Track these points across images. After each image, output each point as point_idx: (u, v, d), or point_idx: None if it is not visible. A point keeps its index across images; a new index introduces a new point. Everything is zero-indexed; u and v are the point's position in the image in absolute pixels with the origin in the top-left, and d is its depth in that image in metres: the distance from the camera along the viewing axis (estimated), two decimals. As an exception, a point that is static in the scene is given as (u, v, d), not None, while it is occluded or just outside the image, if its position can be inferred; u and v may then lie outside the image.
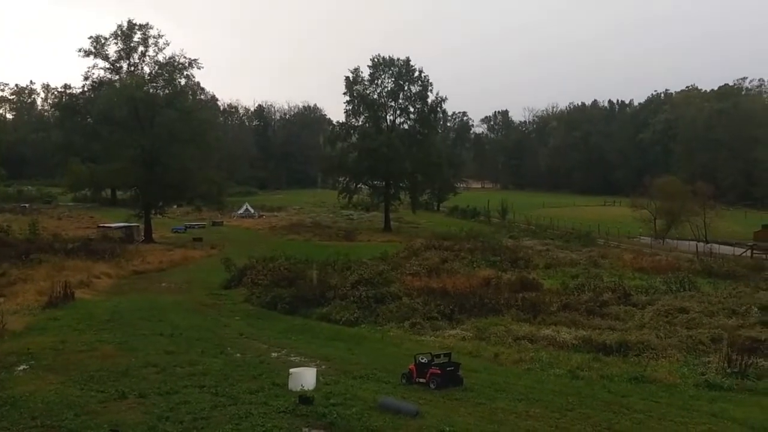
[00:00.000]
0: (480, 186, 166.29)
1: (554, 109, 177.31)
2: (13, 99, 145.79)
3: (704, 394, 15.94)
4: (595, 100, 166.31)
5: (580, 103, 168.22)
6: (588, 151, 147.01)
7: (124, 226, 57.57)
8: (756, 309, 26.39)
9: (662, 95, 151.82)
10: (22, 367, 15.65)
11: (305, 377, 13.63)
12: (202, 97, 71.04)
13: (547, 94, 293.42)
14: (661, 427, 12.64)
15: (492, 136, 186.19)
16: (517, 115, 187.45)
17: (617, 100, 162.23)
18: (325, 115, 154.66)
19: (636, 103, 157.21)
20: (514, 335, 22.13)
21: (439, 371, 14.56)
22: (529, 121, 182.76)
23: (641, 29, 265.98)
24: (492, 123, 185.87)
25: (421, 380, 14.66)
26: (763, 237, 61.24)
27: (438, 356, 15.27)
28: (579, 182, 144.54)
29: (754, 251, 51.22)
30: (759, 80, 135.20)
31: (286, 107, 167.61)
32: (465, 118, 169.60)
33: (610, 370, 17.99)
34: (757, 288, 31.91)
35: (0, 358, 16.43)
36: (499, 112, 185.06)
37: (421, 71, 75.79)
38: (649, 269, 40.18)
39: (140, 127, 56.82)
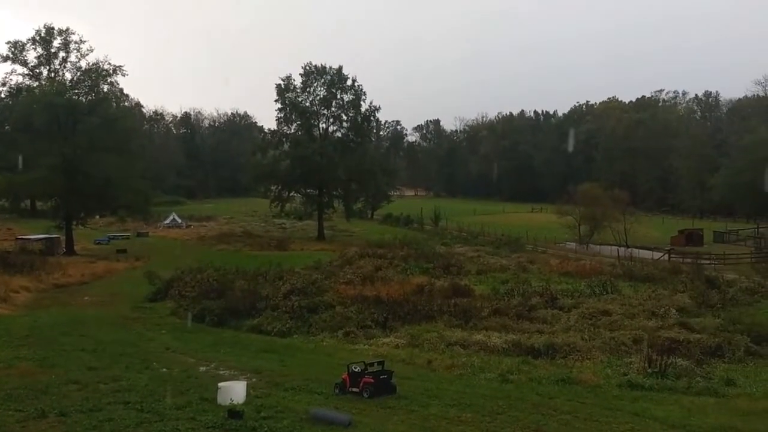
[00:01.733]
0: (413, 194, 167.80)
1: (484, 119, 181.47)
2: None
3: (627, 394, 16.50)
4: (523, 111, 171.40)
5: (508, 113, 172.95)
6: (516, 159, 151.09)
7: (44, 238, 55.01)
8: (674, 311, 27.62)
9: (584, 107, 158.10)
10: (-70, 389, 14.66)
11: (234, 391, 13.36)
12: (126, 104, 68.78)
13: (477, 104, 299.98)
14: (587, 427, 13.03)
15: (425, 144, 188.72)
16: (448, 124, 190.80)
17: (542, 111, 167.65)
18: (256, 122, 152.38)
19: (560, 114, 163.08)
20: (447, 341, 22.37)
21: (372, 380, 14.56)
22: (460, 130, 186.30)
23: (563, 43, 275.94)
24: (424, 131, 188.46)
25: (355, 389, 14.62)
26: (680, 242, 64.63)
27: (371, 365, 15.27)
28: (508, 190, 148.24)
29: (672, 255, 53.78)
30: (674, 92, 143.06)
31: (215, 114, 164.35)
32: (398, 126, 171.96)
33: (539, 373, 18.43)
34: (675, 290, 33.14)
35: None
36: (431, 121, 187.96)
37: (354, 80, 76.12)
38: (575, 273, 41.16)
39: (61, 135, 54.52)
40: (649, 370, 18.33)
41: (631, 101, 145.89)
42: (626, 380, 17.66)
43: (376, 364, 15.42)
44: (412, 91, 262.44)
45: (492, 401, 14.59)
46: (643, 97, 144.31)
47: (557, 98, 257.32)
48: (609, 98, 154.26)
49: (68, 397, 13.92)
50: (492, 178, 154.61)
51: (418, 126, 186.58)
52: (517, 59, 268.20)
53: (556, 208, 74.76)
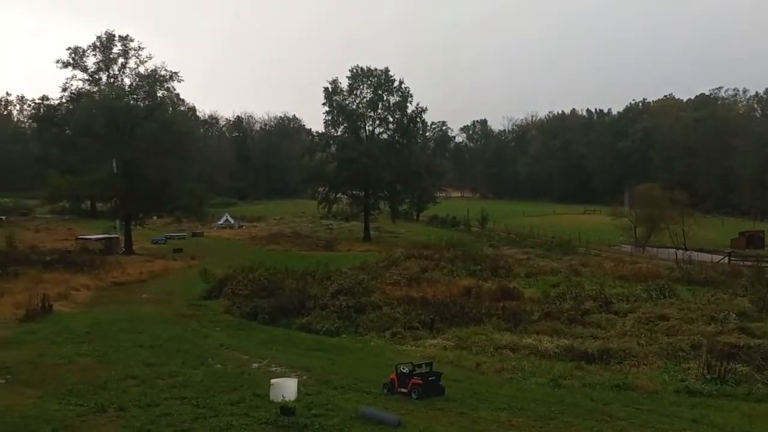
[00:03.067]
0: (460, 195, 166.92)
1: (533, 118, 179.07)
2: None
3: (685, 401, 16.07)
4: (574, 109, 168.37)
5: (559, 112, 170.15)
6: (567, 159, 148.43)
7: (103, 238, 56.87)
8: (734, 315, 26.66)
9: (640, 104, 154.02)
10: (-2, 382, 15.37)
11: (286, 388, 13.55)
12: (182, 108, 70.56)
13: (526, 103, 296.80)
14: (643, 433, 12.73)
15: (471, 145, 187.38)
16: (496, 124, 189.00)
17: (596, 109, 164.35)
18: (304, 125, 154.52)
19: (615, 113, 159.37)
20: (496, 344, 22.12)
21: (420, 381, 14.53)
22: (509, 130, 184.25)
23: (619, 40, 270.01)
24: (471, 132, 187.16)
25: (403, 390, 14.62)
26: (740, 244, 62.31)
27: (419, 366, 15.25)
28: (558, 191, 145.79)
29: (732, 258, 51.95)
30: (734, 90, 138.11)
31: (266, 118, 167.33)
32: (444, 127, 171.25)
33: (592, 378, 18.06)
34: (735, 294, 32.12)
35: (-25, 372, 16.12)
36: (477, 121, 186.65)
37: (401, 81, 76.25)
38: (630, 277, 40.37)
39: (120, 139, 56.33)
40: (708, 376, 17.80)
41: (689, 99, 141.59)
42: (684, 386, 17.20)
43: (424, 365, 15.38)
44: (458, 91, 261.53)
45: (544, 406, 14.37)
46: (702, 94, 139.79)
47: (611, 96, 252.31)
48: (665, 96, 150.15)
49: (127, 392, 14.35)
50: (542, 178, 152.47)
51: (465, 126, 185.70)
52: (569, 57, 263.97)
53: (611, 209, 73.26)
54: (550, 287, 35.24)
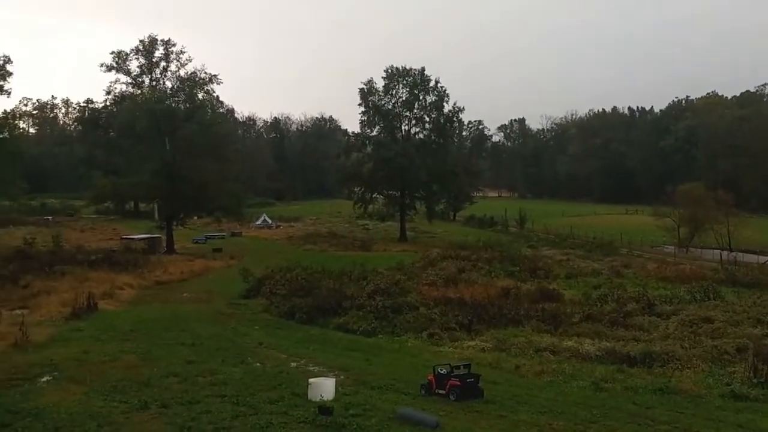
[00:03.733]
0: (497, 195, 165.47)
1: (573, 117, 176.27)
2: (35, 114, 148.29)
3: (730, 405, 15.68)
4: (615, 107, 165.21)
5: (600, 110, 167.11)
6: (608, 158, 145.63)
7: (146, 238, 58.07)
8: (782, 318, 25.91)
9: (683, 102, 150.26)
10: (45, 379, 15.84)
11: (324, 387, 13.65)
12: (221, 110, 71.66)
13: (565, 101, 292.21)
14: (687, 438, 12.42)
15: (509, 144, 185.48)
16: (534, 123, 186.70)
17: (637, 107, 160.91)
18: (340, 125, 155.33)
19: (657, 110, 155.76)
20: (536, 347, 21.92)
21: (458, 382, 14.46)
22: (547, 129, 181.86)
23: (659, 36, 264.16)
24: (508, 131, 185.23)
25: (441, 392, 14.57)
26: (788, 245, 60.22)
27: (457, 367, 15.18)
28: (599, 190, 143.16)
29: (779, 259, 50.27)
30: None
31: (302, 119, 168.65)
32: (481, 126, 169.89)
33: (635, 382, 17.78)
34: (783, 296, 31.23)
35: (24, 369, 16.66)
36: (515, 120, 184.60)
37: (437, 81, 75.81)
38: (673, 278, 39.60)
39: (161, 141, 57.45)
40: (755, 380, 17.39)
41: (734, 96, 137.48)
42: (729, 390, 16.79)
43: (462, 366, 15.31)
44: (495, 89, 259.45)
45: (585, 410, 14.15)
46: (747, 91, 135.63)
47: (653, 93, 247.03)
48: (709, 93, 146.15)
49: (169, 389, 14.64)
50: (582, 178, 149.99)
51: (502, 125, 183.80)
52: (609, 53, 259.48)
53: (653, 209, 71.64)
54: (591, 289, 34.78)
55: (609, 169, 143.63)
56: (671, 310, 28.27)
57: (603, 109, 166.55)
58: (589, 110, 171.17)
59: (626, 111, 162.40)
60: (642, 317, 26.84)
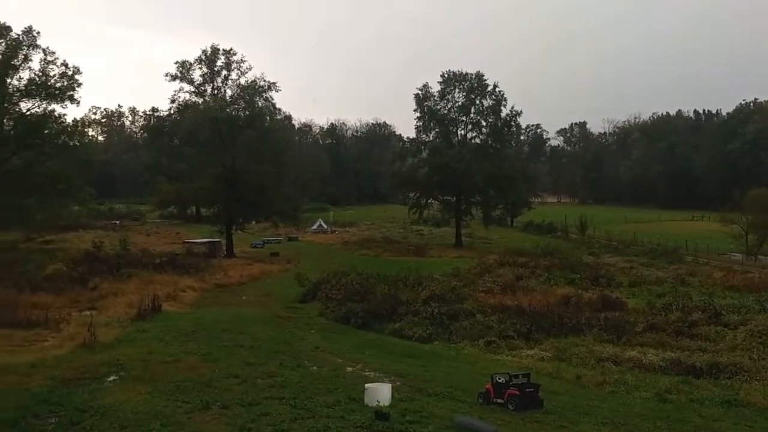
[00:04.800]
0: (556, 200, 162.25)
1: (636, 120, 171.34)
2: (104, 122, 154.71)
3: (804, 420, 14.87)
4: (680, 110, 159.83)
5: (664, 113, 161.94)
6: (673, 163, 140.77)
7: (207, 242, 59.55)
8: None
9: (752, 105, 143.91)
10: (112, 378, 16.40)
11: (381, 393, 13.64)
12: (279, 117, 72.83)
13: (628, 104, 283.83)
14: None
15: (569, 148, 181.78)
16: (595, 127, 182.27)
17: (704, 110, 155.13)
18: (395, 131, 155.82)
19: (724, 113, 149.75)
20: (597, 356, 21.42)
21: (517, 392, 14.21)
22: (609, 133, 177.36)
23: (725, 38, 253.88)
24: (568, 135, 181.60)
25: (499, 401, 14.35)
26: None
27: (516, 376, 14.93)
28: (663, 196, 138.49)
29: None
30: None
31: (357, 124, 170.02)
32: (539, 130, 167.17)
33: (701, 394, 17.23)
34: None
35: (92, 368, 17.29)
36: (576, 123, 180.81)
37: (495, 85, 75.07)
38: (741, 287, 38.05)
39: (222, 147, 58.92)
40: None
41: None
42: (803, 405, 15.92)
43: (521, 376, 15.06)
44: (555, 92, 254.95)
45: (649, 421, 13.70)
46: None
47: (720, 96, 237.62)
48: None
49: (229, 390, 14.93)
50: (645, 183, 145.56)
51: (562, 129, 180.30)
52: (673, 54, 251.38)
53: (720, 215, 68.89)
54: (655, 297, 33.86)
55: (674, 174, 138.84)
56: (739, 319, 27.17)
57: (667, 112, 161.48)
58: (653, 113, 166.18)
59: (692, 114, 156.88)
60: (708, 327, 25.93)
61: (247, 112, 61.61)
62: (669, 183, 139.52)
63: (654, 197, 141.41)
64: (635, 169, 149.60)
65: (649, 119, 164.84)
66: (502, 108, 75.21)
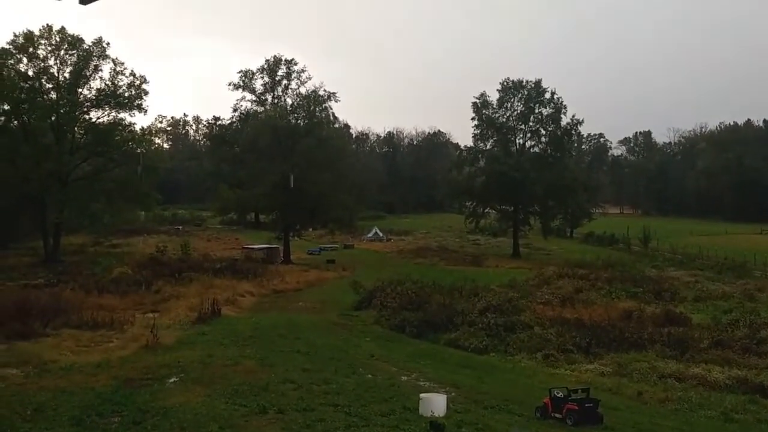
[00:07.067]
0: (618, 211, 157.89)
1: (703, 130, 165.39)
2: (169, 130, 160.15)
3: None
4: (749, 120, 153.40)
5: (732, 123, 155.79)
6: (742, 174, 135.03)
7: (265, 248, 60.65)
8: None
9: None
10: (173, 379, 16.83)
11: (436, 403, 13.53)
12: (337, 125, 73.75)
13: (695, 114, 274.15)
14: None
15: (632, 158, 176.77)
16: (660, 136, 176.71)
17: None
18: (451, 139, 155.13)
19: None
20: (660, 373, 20.72)
21: (576, 407, 13.86)
22: (674, 143, 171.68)
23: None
24: (632, 144, 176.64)
25: (557, 415, 14.02)
26: None
27: (575, 391, 14.56)
28: (731, 208, 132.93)
29: None
30: None
31: (414, 133, 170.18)
32: (602, 139, 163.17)
33: (770, 414, 16.33)
34: None
35: (154, 370, 17.80)
36: (640, 132, 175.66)
37: (553, 93, 73.84)
38: (815, 305, 35.97)
39: (281, 155, 60.06)
40: None
41: None
42: None
43: (580, 390, 14.68)
44: (618, 101, 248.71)
45: (715, 443, 13.09)
46: None
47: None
48: None
49: (285, 395, 15.09)
50: (712, 195, 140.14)
51: (625, 138, 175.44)
52: (741, 61, 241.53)
53: (792, 229, 65.55)
54: (721, 313, 32.43)
55: (742, 186, 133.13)
56: (812, 339, 25.68)
57: (735, 122, 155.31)
58: (720, 123, 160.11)
59: (761, 124, 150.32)
60: (777, 345, 24.63)
61: (306, 121, 62.67)
62: (737, 195, 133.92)
63: (721, 209, 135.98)
64: (701, 180, 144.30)
65: (716, 129, 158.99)
66: (562, 116, 74.03)
